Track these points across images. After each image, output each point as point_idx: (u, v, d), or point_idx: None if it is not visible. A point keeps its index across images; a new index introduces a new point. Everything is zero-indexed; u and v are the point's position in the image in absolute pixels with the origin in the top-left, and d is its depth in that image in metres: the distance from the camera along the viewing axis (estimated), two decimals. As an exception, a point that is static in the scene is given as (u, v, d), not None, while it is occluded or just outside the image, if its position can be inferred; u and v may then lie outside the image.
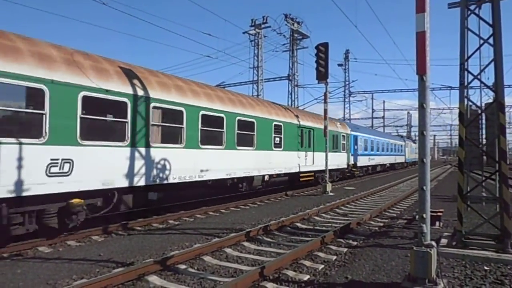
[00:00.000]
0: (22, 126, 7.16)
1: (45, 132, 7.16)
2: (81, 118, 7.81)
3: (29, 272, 5.99)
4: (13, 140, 6.69)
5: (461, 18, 6.99)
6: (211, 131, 11.86)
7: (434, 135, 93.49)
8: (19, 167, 6.75)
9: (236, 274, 5.95)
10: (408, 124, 78.61)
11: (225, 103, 12.59)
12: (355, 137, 27.48)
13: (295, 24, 32.85)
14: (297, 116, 17.96)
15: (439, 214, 9.53)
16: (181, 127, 10.52)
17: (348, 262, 6.54)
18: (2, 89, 6.58)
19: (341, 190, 19.10)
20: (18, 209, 6.94)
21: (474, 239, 7.00)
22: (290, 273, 5.90)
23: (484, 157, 7.83)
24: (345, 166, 24.36)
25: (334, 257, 6.84)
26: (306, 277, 5.73)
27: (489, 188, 8.18)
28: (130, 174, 8.92)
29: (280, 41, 53.88)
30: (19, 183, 6.74)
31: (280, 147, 15.98)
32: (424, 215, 4.89)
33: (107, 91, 8.34)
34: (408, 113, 76.97)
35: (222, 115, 12.21)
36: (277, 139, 15.72)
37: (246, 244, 7.91)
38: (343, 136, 24.10)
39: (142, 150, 9.27)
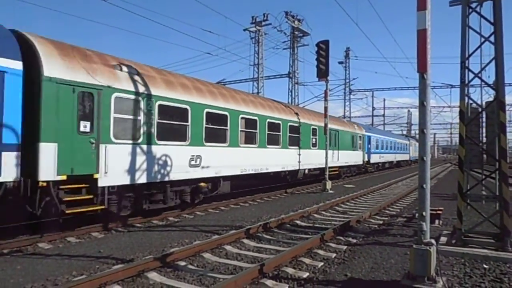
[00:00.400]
0: (177, 133, 10.57)
1: (188, 137, 10.85)
2: (205, 127, 11.50)
3: (29, 268, 6.01)
4: (175, 143, 10.45)
5: (462, 16, 6.97)
6: (273, 135, 15.50)
7: (434, 133, 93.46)
8: (178, 160, 10.49)
9: (236, 271, 5.96)
10: (408, 122, 78.60)
11: (281, 113, 16.53)
12: (369, 137, 30.39)
13: (296, 22, 32.76)
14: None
15: (438, 212, 9.54)
16: (256, 132, 14.35)
17: (348, 259, 6.55)
18: (170, 110, 10.26)
19: (340, 188, 19.11)
20: (172, 189, 10.52)
21: (474, 238, 7.01)
22: (290, 270, 5.91)
23: (484, 156, 7.83)
24: (361, 163, 27.74)
25: (334, 255, 6.85)
26: (306, 275, 5.74)
27: (489, 186, 8.19)
28: (229, 166, 12.73)
29: (280, 38, 53.82)
30: (177, 171, 10.41)
31: (316, 146, 19.77)
32: (424, 213, 4.89)
33: (212, 107, 11.91)
34: (408, 111, 76.99)
35: (279, 122, 16.08)
36: (314, 139, 19.55)
37: (245, 241, 7.93)
38: (359, 136, 27.30)
39: (236, 149, 13.07)
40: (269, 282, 5.33)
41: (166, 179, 10.14)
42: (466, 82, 7.03)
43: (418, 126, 5.12)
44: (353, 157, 25.63)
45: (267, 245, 7.68)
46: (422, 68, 4.96)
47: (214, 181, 12.34)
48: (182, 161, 10.67)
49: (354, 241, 7.99)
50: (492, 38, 6.78)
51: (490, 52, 6.88)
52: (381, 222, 10.17)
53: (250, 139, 14.08)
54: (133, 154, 9.15)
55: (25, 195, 7.33)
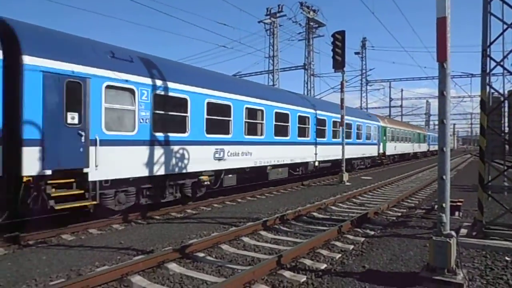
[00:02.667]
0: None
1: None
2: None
3: (53, 259, 6.21)
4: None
5: (484, 2, 6.77)
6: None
7: (454, 124, 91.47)
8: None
9: (254, 262, 6.03)
10: (427, 113, 77.17)
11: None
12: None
13: (311, 12, 32.38)
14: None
15: (458, 204, 9.39)
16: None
17: (366, 251, 6.53)
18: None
19: (357, 180, 18.97)
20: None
21: (495, 229, 6.88)
22: (307, 261, 5.94)
23: (507, 146, 7.64)
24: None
25: (351, 247, 6.84)
26: (323, 266, 5.76)
27: (511, 177, 8.00)
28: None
29: (295, 30, 53.18)
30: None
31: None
32: (444, 205, 4.82)
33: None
34: (427, 101, 75.54)
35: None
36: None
37: (263, 233, 7.98)
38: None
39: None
40: (287, 273, 5.37)
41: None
42: (488, 70, 6.85)
43: (438, 116, 5.02)
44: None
45: (285, 237, 7.72)
46: (441, 57, 4.85)
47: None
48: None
49: (372, 233, 7.95)
50: (515, 25, 6.57)
51: (512, 39, 6.68)
52: (399, 214, 10.08)
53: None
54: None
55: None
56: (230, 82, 13.54)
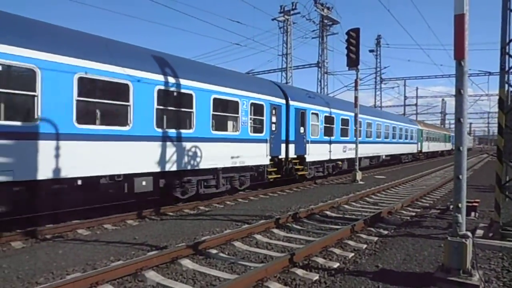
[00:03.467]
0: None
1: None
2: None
3: (70, 253, 6.33)
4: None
5: (503, -1, 6.62)
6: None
7: (470, 123, 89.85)
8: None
9: (266, 260, 6.04)
10: (442, 111, 75.94)
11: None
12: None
13: (325, 10, 32.14)
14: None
15: (475, 204, 9.23)
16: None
17: (379, 251, 6.48)
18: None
19: (371, 179, 18.81)
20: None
21: (512, 231, 6.74)
22: (320, 260, 5.93)
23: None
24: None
25: (365, 246, 6.80)
26: (336, 265, 5.74)
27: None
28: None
29: (309, 27, 52.87)
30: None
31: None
32: (460, 205, 4.75)
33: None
34: (443, 100, 74.31)
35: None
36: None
37: (275, 231, 7.99)
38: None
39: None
40: (299, 272, 5.37)
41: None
42: (507, 68, 6.71)
43: (454, 115, 4.94)
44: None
45: (297, 235, 7.71)
46: (459, 54, 4.77)
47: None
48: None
49: (386, 232, 7.88)
50: (535, 22, 6.42)
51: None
52: (413, 213, 9.96)
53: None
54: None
55: None
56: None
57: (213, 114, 11.01)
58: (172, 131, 9.73)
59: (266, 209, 10.44)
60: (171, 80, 9.71)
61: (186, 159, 10.13)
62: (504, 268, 5.45)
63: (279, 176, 14.31)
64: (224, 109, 11.72)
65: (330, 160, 18.32)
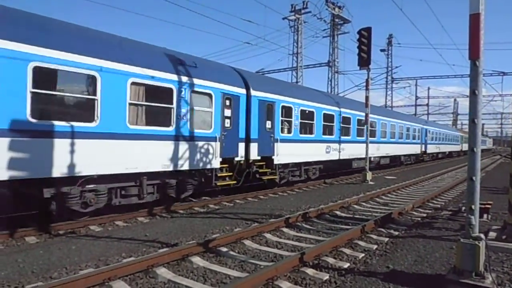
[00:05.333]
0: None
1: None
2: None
3: (82, 249, 6.43)
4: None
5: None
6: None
7: (483, 124, 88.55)
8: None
9: (276, 259, 6.06)
10: (455, 112, 74.98)
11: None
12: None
13: (336, 9, 31.98)
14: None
15: (487, 206, 9.10)
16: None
17: (390, 251, 6.44)
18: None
19: (381, 179, 18.68)
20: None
21: (526, 234, 6.65)
22: (330, 260, 5.92)
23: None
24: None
25: (375, 246, 6.77)
26: (347, 265, 5.73)
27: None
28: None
29: (320, 26, 52.71)
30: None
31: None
32: (473, 206, 4.71)
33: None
34: (455, 100, 73.36)
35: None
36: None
37: (285, 230, 8.00)
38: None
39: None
40: (309, 271, 5.37)
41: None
42: (522, 69, 6.60)
43: (468, 115, 4.89)
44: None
45: (307, 235, 7.71)
46: (474, 54, 4.72)
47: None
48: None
49: (396, 233, 7.83)
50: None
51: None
52: (424, 215, 9.87)
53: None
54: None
55: None
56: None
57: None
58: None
59: (276, 208, 10.45)
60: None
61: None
62: (518, 271, 5.38)
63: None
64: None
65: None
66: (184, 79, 9.88)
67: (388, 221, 8.81)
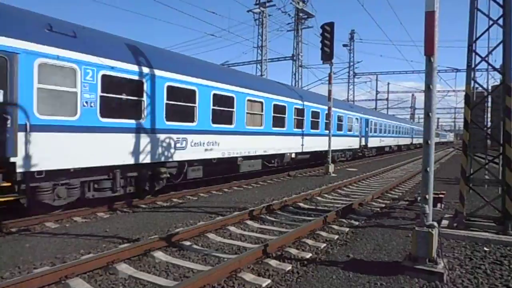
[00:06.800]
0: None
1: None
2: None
3: (37, 247, 6.13)
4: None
5: (471, -2, 6.85)
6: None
7: (438, 118, 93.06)
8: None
9: (240, 251, 6.08)
10: (412, 106, 78.18)
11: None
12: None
13: (300, 3, 32.22)
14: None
15: (441, 196, 9.60)
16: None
17: (350, 241, 6.64)
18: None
19: (343, 172, 19.20)
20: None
21: (475, 221, 7.09)
22: (293, 251, 6.02)
23: (488, 140, 7.82)
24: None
25: (336, 236, 6.95)
26: (309, 255, 5.84)
27: (492, 171, 8.22)
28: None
29: (285, 20, 53.02)
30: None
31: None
32: (427, 196, 4.94)
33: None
34: (413, 95, 76.46)
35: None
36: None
37: (249, 222, 8.03)
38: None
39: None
40: (272, 262, 5.43)
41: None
42: (473, 66, 6.97)
43: (424, 109, 5.10)
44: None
45: (271, 227, 7.79)
46: (429, 51, 4.92)
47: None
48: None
49: (357, 223, 8.09)
50: (500, 21, 6.69)
51: (497, 35, 6.80)
52: (383, 205, 10.26)
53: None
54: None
55: None
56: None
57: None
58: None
59: (240, 201, 10.47)
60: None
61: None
62: (467, 256, 5.72)
63: None
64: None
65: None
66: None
67: (349, 212, 9.08)
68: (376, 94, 62.07)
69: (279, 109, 15.90)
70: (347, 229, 7.48)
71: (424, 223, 4.91)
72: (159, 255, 5.76)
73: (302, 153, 18.45)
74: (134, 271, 5.10)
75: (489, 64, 7.22)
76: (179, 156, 10.64)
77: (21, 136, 6.98)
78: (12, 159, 6.86)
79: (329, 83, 18.53)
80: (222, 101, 12.42)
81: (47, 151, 7.43)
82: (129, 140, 9.12)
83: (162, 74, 10.02)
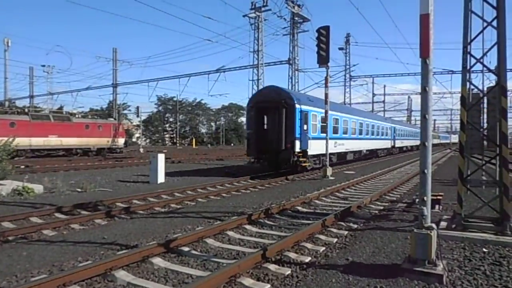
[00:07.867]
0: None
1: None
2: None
3: (34, 255, 6.09)
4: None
5: (465, 0, 6.91)
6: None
7: (435, 120, 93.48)
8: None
9: (239, 256, 6.05)
10: (409, 108, 78.47)
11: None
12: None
13: (296, 7, 32.34)
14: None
15: (439, 197, 9.61)
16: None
17: (349, 244, 6.63)
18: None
19: (341, 174, 19.21)
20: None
21: (473, 222, 7.09)
22: (292, 255, 6.00)
23: (485, 141, 7.86)
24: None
25: (335, 240, 6.94)
26: (308, 259, 5.83)
27: (489, 172, 8.24)
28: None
29: (280, 24, 53.39)
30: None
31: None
32: (425, 198, 4.94)
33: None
34: (409, 97, 76.77)
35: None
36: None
37: (248, 227, 8.01)
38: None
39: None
40: (272, 267, 5.42)
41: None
42: (468, 67, 7.01)
43: (420, 111, 5.12)
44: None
45: (269, 231, 7.77)
46: (424, 53, 4.94)
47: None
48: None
49: (355, 226, 8.08)
50: (494, 23, 6.73)
51: (492, 37, 6.85)
52: (381, 207, 10.26)
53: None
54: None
55: None
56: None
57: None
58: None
59: (239, 206, 10.45)
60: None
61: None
62: (466, 258, 5.72)
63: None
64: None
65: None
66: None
67: (348, 214, 9.07)
68: (373, 96, 62.33)
69: (351, 123, 26.50)
70: (346, 232, 7.47)
71: (422, 225, 4.91)
72: (158, 261, 5.73)
73: (367, 150, 30.42)
74: (132, 278, 5.07)
75: (484, 65, 7.26)
76: (334, 149, 22.62)
77: (309, 142, 18.90)
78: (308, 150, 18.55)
79: (326, 86, 18.56)
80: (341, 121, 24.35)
81: (313, 147, 19.21)
82: (323, 143, 18.92)
83: (331, 112, 20.23)
